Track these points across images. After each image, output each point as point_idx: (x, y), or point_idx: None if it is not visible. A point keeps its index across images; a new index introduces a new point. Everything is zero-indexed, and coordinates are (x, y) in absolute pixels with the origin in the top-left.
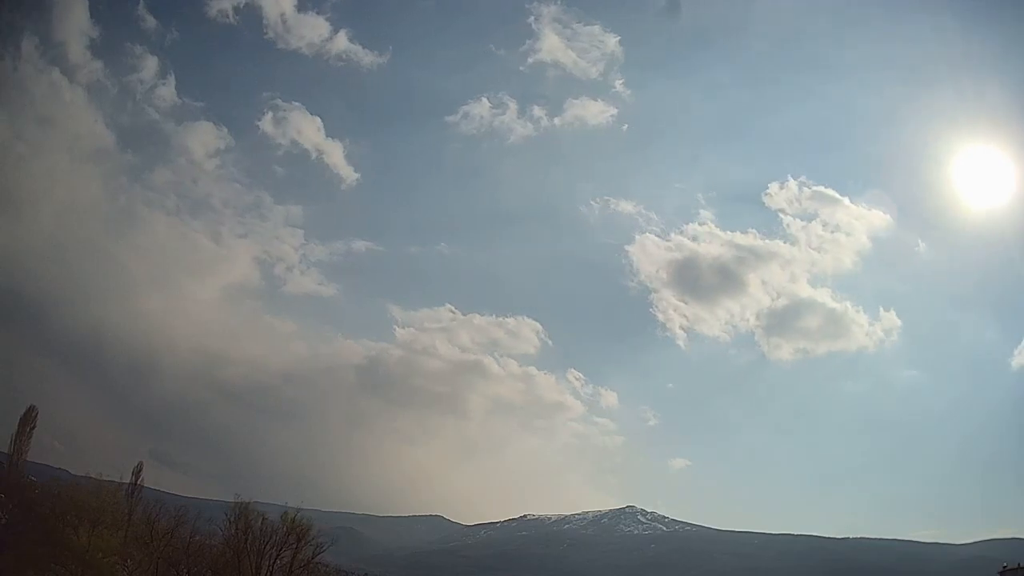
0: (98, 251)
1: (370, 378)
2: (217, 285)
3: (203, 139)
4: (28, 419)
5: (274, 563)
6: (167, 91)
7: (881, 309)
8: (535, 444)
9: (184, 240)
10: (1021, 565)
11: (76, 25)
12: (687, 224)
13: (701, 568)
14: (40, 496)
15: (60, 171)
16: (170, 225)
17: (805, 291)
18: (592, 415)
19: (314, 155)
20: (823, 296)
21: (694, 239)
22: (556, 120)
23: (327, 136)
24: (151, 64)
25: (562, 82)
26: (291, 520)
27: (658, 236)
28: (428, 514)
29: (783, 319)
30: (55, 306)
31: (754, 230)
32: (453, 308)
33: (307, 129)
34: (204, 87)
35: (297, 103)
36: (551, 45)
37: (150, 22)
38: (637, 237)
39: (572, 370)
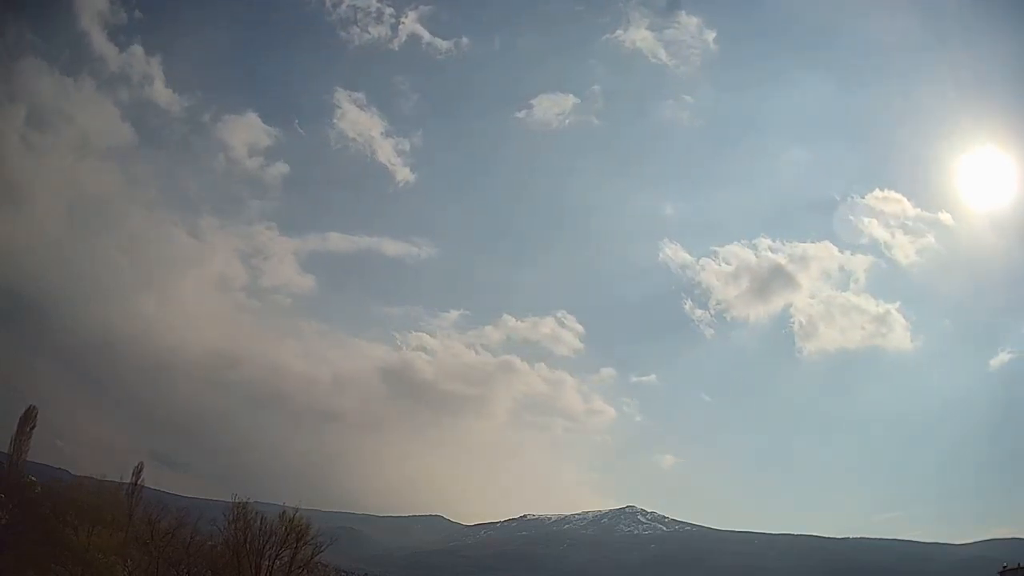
0: (99, 250)
1: (378, 380)
2: (219, 285)
3: (246, 135)
4: (28, 419)
5: (274, 563)
6: (193, 82)
7: (911, 310)
8: (539, 444)
9: (192, 240)
10: (1021, 565)
11: (92, 12)
12: (750, 236)
13: (701, 568)
14: (40, 496)
15: (63, 169)
16: (182, 225)
17: (846, 293)
18: (609, 419)
19: (368, 153)
20: (863, 299)
21: (753, 248)
22: (634, 120)
23: (384, 134)
24: (179, 55)
25: (647, 77)
26: (290, 520)
27: (720, 244)
28: (428, 514)
29: (818, 321)
30: (55, 306)
31: (813, 233)
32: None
33: (364, 124)
34: (245, 77)
35: (357, 94)
36: (639, 37)
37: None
38: (696, 244)
39: (607, 369)
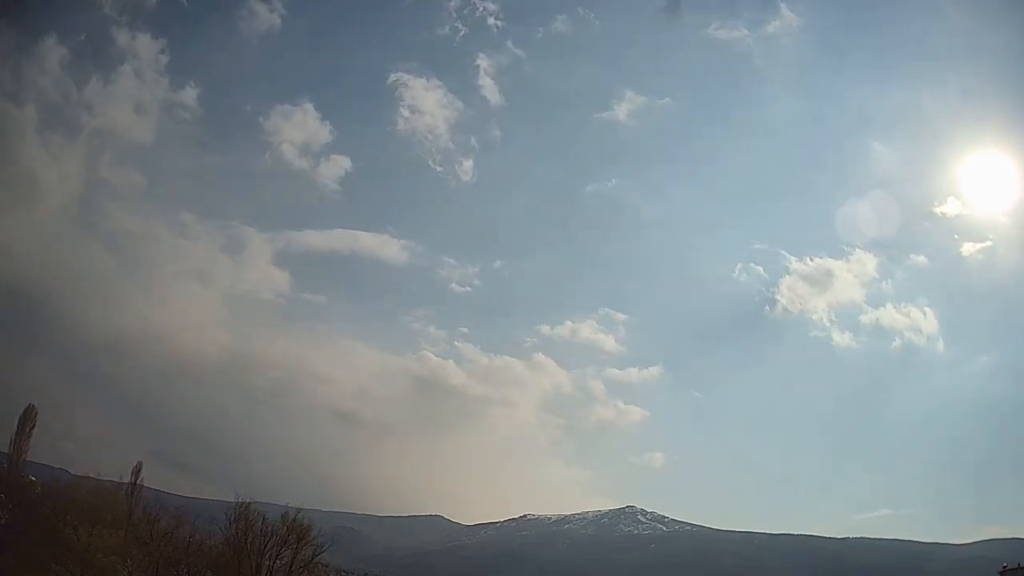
0: (100, 250)
1: (382, 381)
2: (223, 286)
3: (300, 132)
4: (28, 419)
5: (274, 563)
6: (227, 73)
7: (948, 312)
8: (539, 443)
9: (197, 242)
10: (1021, 565)
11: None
12: (801, 242)
13: (701, 568)
14: (40, 496)
15: (68, 167)
16: (188, 225)
17: (886, 295)
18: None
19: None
20: (903, 303)
21: (799, 255)
22: (716, 123)
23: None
24: (202, 48)
25: (736, 79)
26: (291, 520)
27: (795, 256)
28: (428, 514)
29: (848, 325)
30: (55, 306)
31: (865, 239)
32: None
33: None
34: (294, 67)
35: (432, 81)
36: (735, 35)
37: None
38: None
39: (614, 370)
